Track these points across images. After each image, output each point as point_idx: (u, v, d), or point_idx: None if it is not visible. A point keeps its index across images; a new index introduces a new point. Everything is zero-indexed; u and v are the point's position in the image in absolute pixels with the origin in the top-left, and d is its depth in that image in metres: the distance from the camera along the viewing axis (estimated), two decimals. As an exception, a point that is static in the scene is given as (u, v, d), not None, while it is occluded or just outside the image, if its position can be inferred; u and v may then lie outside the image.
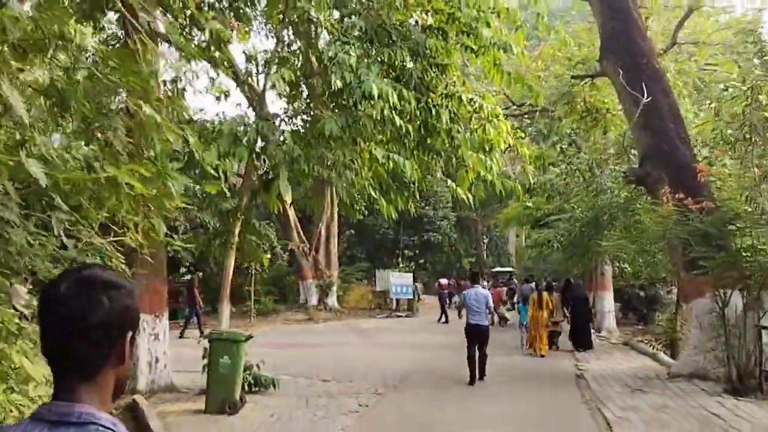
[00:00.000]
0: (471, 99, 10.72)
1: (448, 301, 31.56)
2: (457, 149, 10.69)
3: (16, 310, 4.87)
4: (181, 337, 17.23)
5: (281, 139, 9.57)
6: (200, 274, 21.38)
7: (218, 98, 10.46)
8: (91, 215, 4.67)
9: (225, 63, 17.60)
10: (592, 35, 18.85)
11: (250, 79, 17.28)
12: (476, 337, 11.82)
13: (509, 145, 11.28)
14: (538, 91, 11.05)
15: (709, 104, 16.23)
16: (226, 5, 13.74)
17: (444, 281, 30.11)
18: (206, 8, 14.48)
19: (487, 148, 10.78)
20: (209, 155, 8.66)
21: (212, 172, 9.78)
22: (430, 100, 10.45)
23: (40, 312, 1.47)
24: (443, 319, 26.90)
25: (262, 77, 16.71)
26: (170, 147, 4.88)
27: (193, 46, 15.73)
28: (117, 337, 1.44)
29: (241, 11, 13.46)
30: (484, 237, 51.43)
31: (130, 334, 1.47)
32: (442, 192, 38.38)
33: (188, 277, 28.61)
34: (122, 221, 4.90)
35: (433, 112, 10.47)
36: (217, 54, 14.80)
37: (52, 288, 1.46)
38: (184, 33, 15.79)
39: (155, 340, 10.62)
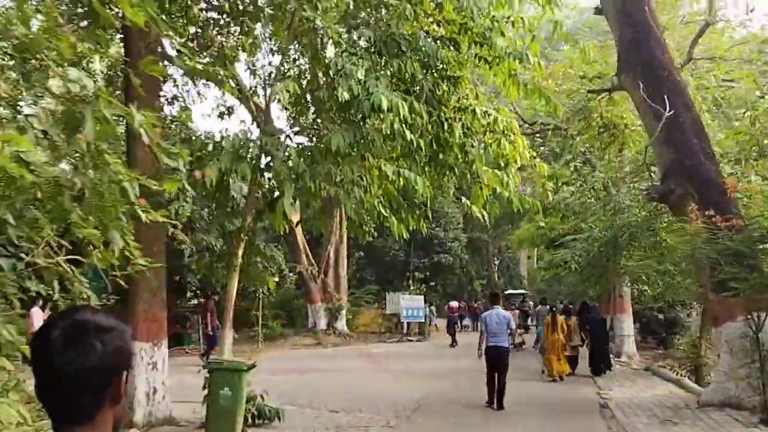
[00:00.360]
0: (485, 112, 10.21)
1: (459, 325, 30.89)
2: (471, 165, 10.15)
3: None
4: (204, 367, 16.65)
5: (286, 155, 9.05)
6: (216, 298, 20.93)
7: (221, 115, 9.98)
8: (43, 227, 4.12)
9: (230, 80, 17.25)
10: (605, 52, 18.40)
11: (254, 95, 16.92)
12: (496, 359, 11.42)
13: (525, 161, 10.71)
14: (555, 103, 10.51)
15: (744, 113, 15.59)
16: (231, 21, 13.38)
17: (454, 304, 29.40)
18: (211, 25, 14.14)
19: (503, 164, 10.24)
20: (211, 172, 8.16)
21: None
22: (442, 114, 9.93)
23: (33, 361, 1.47)
24: (454, 343, 26.26)
25: (267, 92, 16.35)
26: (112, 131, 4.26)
27: (198, 65, 15.41)
28: (112, 379, 1.47)
29: (246, 26, 13.09)
30: (496, 258, 50.73)
31: (125, 373, 1.51)
32: (453, 213, 37.83)
33: (195, 301, 28.33)
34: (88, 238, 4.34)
35: (446, 126, 9.95)
36: (221, 72, 14.47)
37: (44, 336, 1.46)
38: (190, 51, 15.47)
39: (153, 369, 10.04)
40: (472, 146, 10.11)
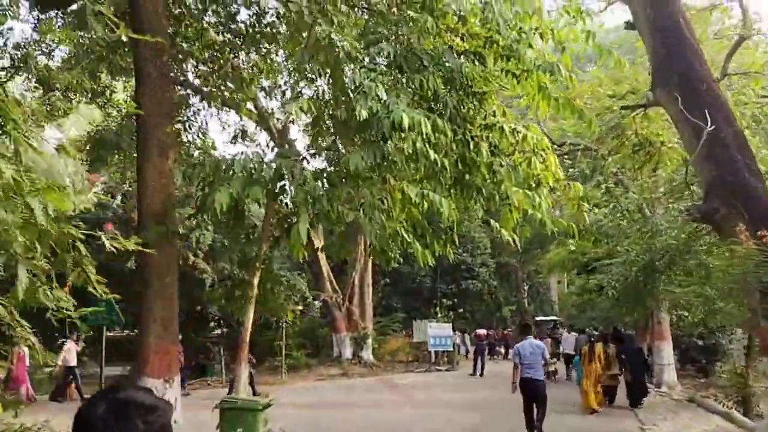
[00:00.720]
0: (514, 129, 9.59)
1: (487, 353, 29.95)
2: (500, 185, 9.51)
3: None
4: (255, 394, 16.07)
5: (302, 178, 8.52)
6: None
7: (235, 138, 9.54)
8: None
9: (248, 104, 16.91)
10: (635, 69, 17.70)
11: (272, 117, 16.54)
12: (532, 392, 10.77)
13: (557, 181, 10.04)
14: (590, 118, 9.85)
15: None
16: (247, 43, 13.02)
17: (482, 332, 28.39)
18: (228, 49, 13.82)
19: (534, 184, 9.59)
20: (222, 196, 7.65)
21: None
22: (467, 132, 9.35)
23: None
24: (479, 371, 25.33)
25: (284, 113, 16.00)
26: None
27: (214, 89, 15.11)
28: None
29: (264, 48, 12.72)
30: (525, 284, 49.55)
31: None
32: (480, 238, 37.02)
33: (218, 331, 27.87)
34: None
35: (472, 144, 9.35)
36: (238, 96, 14.13)
37: (88, 411, 1.48)
38: (205, 74, 15.18)
39: (165, 406, 9.47)
40: (501, 166, 9.48)
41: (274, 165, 8.48)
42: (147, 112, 9.91)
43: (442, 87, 9.23)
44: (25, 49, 25.46)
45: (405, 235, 8.99)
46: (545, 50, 9.58)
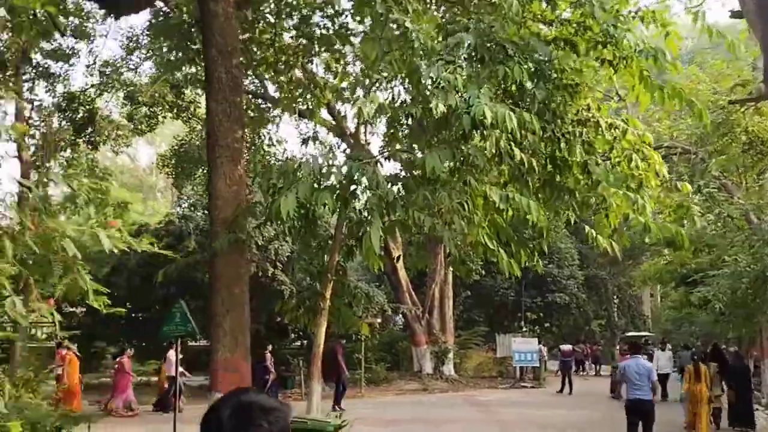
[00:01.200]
0: (611, 125, 8.59)
1: (574, 369, 28.51)
2: (595, 187, 8.52)
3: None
4: (334, 410, 15.61)
5: (375, 182, 7.84)
6: (343, 341, 20.31)
7: (306, 141, 8.99)
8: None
9: (321, 110, 16.53)
10: (736, 65, 16.20)
11: (344, 120, 16.07)
12: (639, 415, 9.94)
13: (663, 181, 8.94)
14: (701, 108, 8.69)
15: None
16: (321, 47, 12.58)
17: (566, 347, 26.79)
18: (301, 53, 13.43)
19: (634, 186, 8.53)
20: (287, 202, 7.07)
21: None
22: (557, 128, 8.42)
23: None
24: (567, 389, 23.89)
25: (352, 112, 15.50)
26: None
27: (289, 97, 14.78)
28: None
29: (337, 51, 12.24)
30: (615, 297, 47.16)
31: None
32: (567, 248, 35.37)
33: (298, 343, 27.67)
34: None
35: (562, 142, 8.41)
36: (312, 102, 13.72)
37: (214, 415, 1.60)
38: (282, 84, 14.88)
39: (234, 425, 8.97)
40: (597, 165, 8.48)
41: (344, 168, 7.85)
42: (217, 117, 9.55)
43: (528, 79, 8.37)
44: (113, 66, 26.30)
45: (488, 243, 8.14)
46: (645, 37, 8.53)
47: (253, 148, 16.02)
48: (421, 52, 7.70)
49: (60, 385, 15.79)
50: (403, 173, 9.21)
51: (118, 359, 17.61)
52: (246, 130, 15.03)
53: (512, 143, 7.86)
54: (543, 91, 8.31)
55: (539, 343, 28.35)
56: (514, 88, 8.60)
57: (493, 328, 32.99)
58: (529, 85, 8.23)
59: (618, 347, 23.86)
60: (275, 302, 19.70)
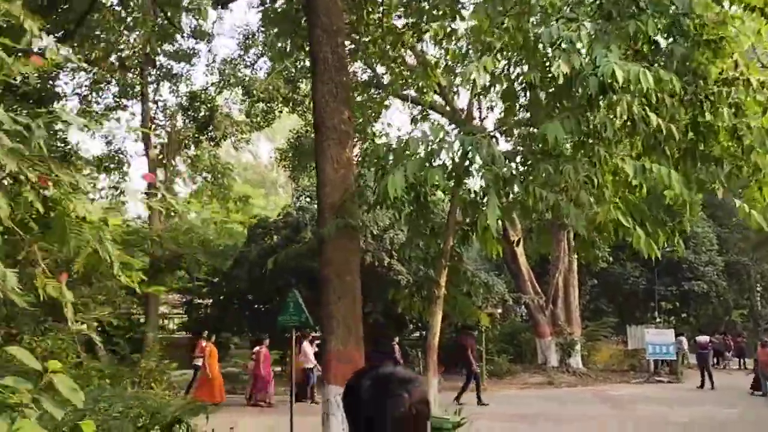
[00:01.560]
0: (764, 82, 7.39)
1: (714, 362, 26.37)
2: (747, 154, 7.37)
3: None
4: (456, 401, 15.09)
5: (491, 157, 7.15)
6: (474, 332, 19.96)
7: (414, 121, 8.44)
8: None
9: (432, 91, 15.93)
10: None
11: (456, 95, 15.39)
12: None
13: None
14: None
15: None
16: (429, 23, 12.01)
17: (703, 338, 24.56)
18: (410, 33, 12.90)
19: (795, 152, 7.30)
20: (394, 181, 6.56)
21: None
22: (700, 89, 7.35)
23: (347, 410, 1.69)
24: (708, 384, 21.92)
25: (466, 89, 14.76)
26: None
27: (398, 79, 14.31)
28: (419, 426, 1.62)
29: (449, 26, 11.62)
30: (758, 285, 43.26)
31: (428, 422, 1.66)
32: (704, 232, 32.70)
33: (417, 334, 27.33)
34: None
35: (706, 105, 7.33)
36: (421, 84, 13.18)
37: (355, 387, 1.67)
38: (390, 66, 14.44)
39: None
40: (749, 128, 7.33)
41: (456, 144, 7.22)
42: (323, 98, 9.22)
43: (664, 36, 7.36)
44: (231, 64, 27.11)
45: (622, 220, 7.23)
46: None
47: (364, 136, 15.70)
48: (538, 8, 6.92)
49: (204, 373, 16.42)
50: (521, 150, 8.45)
51: (256, 349, 17.96)
52: (358, 120, 14.82)
53: (647, 108, 6.92)
54: (681, 47, 7.27)
55: (676, 334, 26.34)
56: (645, 48, 7.63)
57: (622, 318, 31.13)
58: (665, 42, 7.22)
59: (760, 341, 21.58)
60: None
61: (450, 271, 8.83)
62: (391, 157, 7.30)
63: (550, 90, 7.99)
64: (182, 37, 24.71)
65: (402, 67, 13.68)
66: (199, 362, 17.32)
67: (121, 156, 24.68)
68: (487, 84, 7.76)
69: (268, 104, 26.24)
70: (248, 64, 26.51)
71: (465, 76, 6.71)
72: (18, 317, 10.88)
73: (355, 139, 13.32)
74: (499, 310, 26.09)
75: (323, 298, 8.70)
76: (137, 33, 21.10)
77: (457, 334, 20.53)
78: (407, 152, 6.97)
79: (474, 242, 9.55)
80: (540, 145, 7.66)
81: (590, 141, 7.54)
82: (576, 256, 24.40)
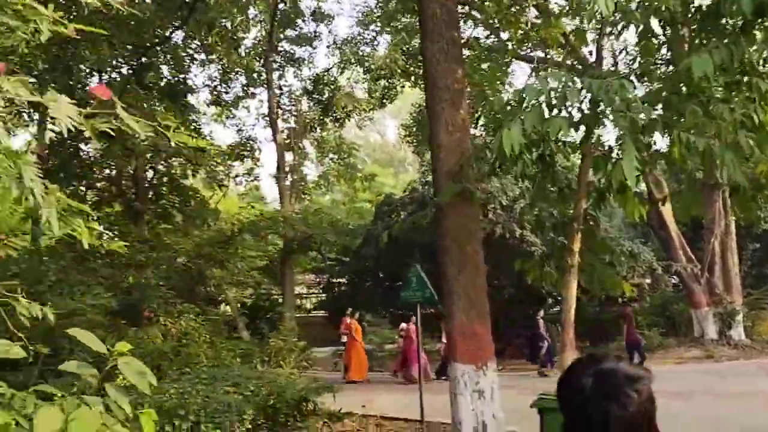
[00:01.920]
0: None
1: None
2: None
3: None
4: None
5: (625, 102, 6.22)
6: (633, 305, 19.30)
7: (535, 70, 7.60)
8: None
9: (557, 42, 14.68)
10: None
11: (583, 45, 14.00)
12: None
13: None
14: None
15: None
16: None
17: None
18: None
19: None
20: (510, 135, 5.83)
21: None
22: None
23: (564, 404, 1.60)
24: None
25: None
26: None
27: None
28: (644, 428, 1.53)
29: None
30: None
31: (655, 421, 1.56)
32: None
33: (557, 308, 26.12)
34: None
35: None
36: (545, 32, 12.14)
37: (573, 382, 1.58)
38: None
39: (480, 398, 8.04)
40: None
41: (584, 90, 6.34)
42: (434, 57, 8.58)
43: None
44: (351, 43, 27.04)
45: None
46: None
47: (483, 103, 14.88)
48: None
49: (352, 352, 16.76)
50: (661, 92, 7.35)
51: (403, 326, 17.99)
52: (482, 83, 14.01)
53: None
54: None
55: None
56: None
57: (791, 284, 27.94)
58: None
59: None
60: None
61: (585, 237, 7.97)
62: (507, 112, 6.54)
63: (693, 26, 6.88)
64: (303, 21, 24.91)
65: (521, 24, 12.72)
66: (344, 338, 17.69)
67: (251, 143, 25.43)
68: (617, 18, 6.78)
69: (389, 80, 25.94)
70: (367, 41, 26.31)
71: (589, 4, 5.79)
72: (151, 299, 11.32)
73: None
74: (648, 280, 24.25)
75: (442, 270, 8.14)
76: (254, 14, 21.47)
77: (600, 307, 19.32)
78: (527, 101, 6.17)
79: (614, 206, 8.62)
80: (685, 86, 6.60)
81: (745, 68, 6.37)
82: (734, 218, 22.04)
